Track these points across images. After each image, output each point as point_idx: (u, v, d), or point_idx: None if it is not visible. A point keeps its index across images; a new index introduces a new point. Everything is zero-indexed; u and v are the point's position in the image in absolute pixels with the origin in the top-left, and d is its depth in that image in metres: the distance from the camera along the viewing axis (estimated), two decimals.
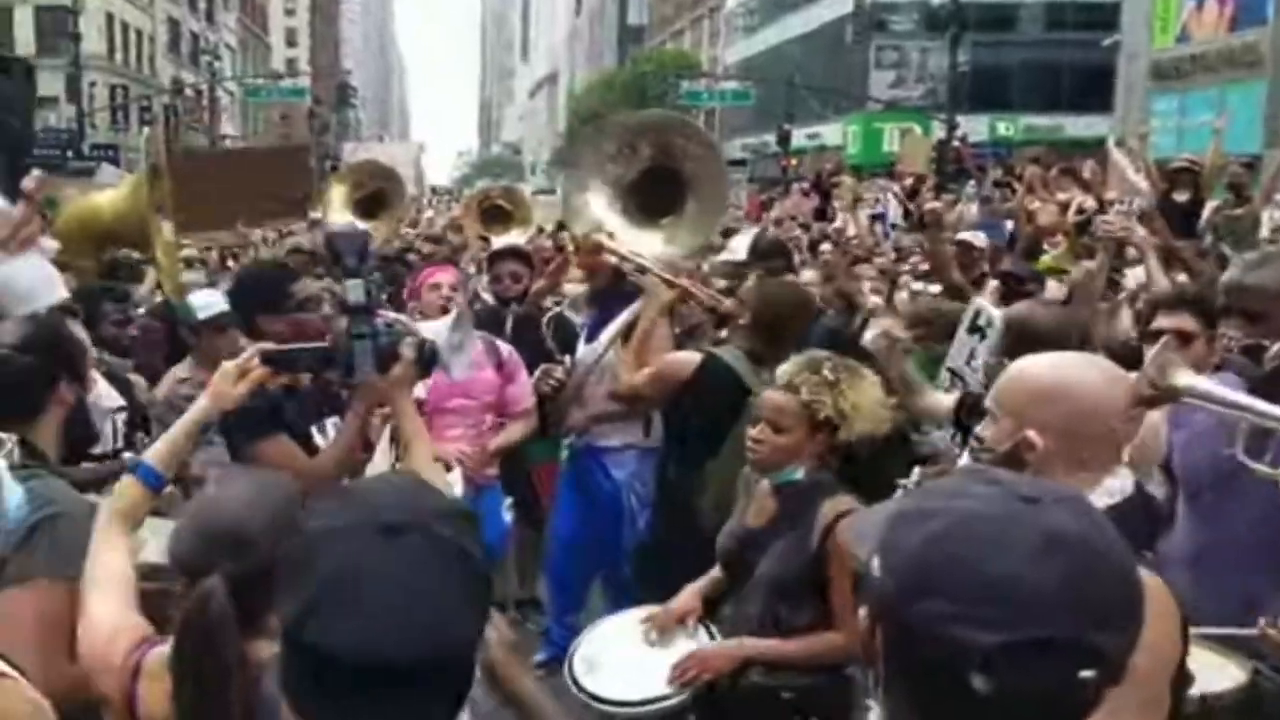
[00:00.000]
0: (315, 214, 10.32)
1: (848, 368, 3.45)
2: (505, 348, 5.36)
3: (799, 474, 3.44)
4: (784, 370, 3.50)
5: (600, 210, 5.49)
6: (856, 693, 3.39)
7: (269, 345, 3.04)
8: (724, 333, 5.15)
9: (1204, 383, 2.87)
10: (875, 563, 1.30)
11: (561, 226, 11.63)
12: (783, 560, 3.38)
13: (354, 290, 2.94)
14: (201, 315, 4.70)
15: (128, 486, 2.57)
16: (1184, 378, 2.75)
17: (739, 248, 7.01)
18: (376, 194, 10.72)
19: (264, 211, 8.60)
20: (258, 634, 2.03)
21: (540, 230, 11.96)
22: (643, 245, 5.36)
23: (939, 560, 1.24)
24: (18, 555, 2.54)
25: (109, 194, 6.47)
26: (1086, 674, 1.22)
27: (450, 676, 1.45)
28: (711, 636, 3.59)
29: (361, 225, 8.79)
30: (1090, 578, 1.23)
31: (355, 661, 1.35)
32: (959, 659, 1.21)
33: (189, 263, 8.27)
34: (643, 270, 5.11)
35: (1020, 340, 3.67)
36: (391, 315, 3.14)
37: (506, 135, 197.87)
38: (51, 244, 4.86)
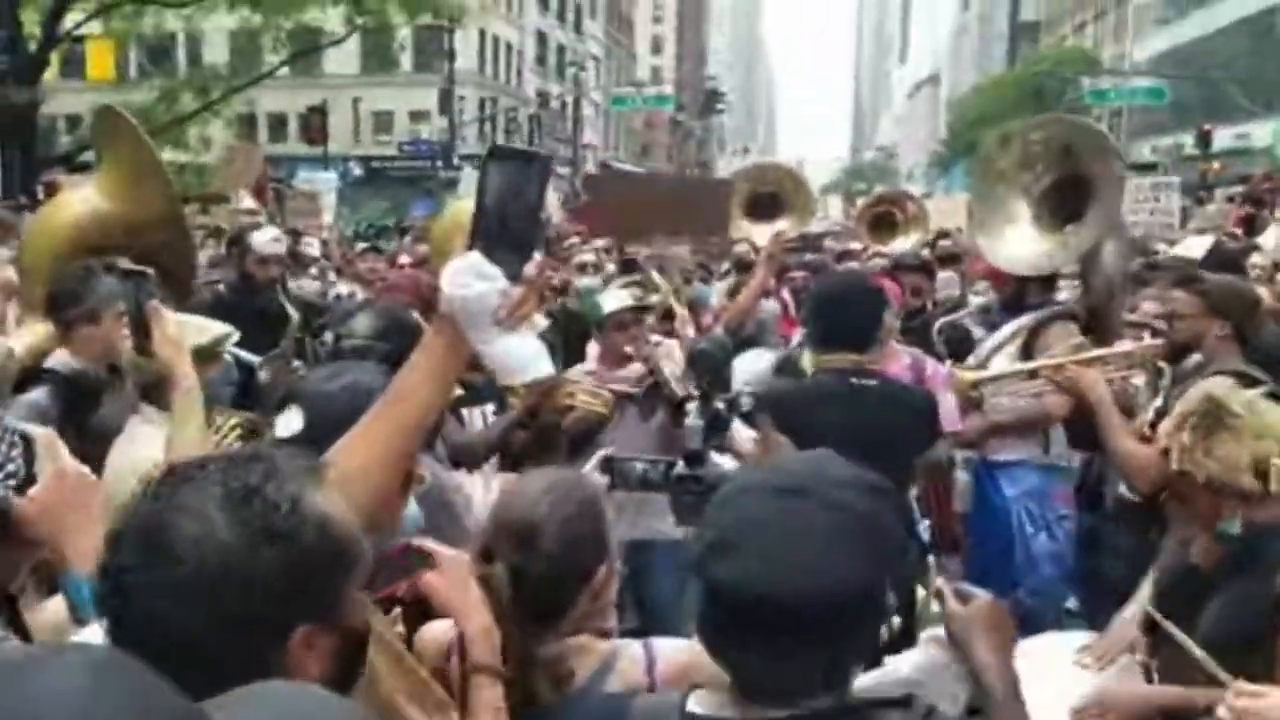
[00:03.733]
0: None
1: (1208, 420, 3.19)
2: (931, 364, 5.37)
3: (1235, 527, 3.24)
4: (1161, 430, 3.39)
5: (1015, 220, 5.81)
6: None
7: (611, 452, 3.01)
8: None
9: None
10: None
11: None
12: (1232, 608, 3.17)
13: (693, 436, 2.80)
14: (606, 309, 5.35)
15: None
16: None
17: (1194, 246, 7.38)
18: (766, 195, 11.45)
19: (675, 238, 9.45)
20: (551, 634, 2.21)
21: (936, 237, 11.71)
22: (1050, 249, 5.70)
23: None
24: None
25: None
26: None
27: (827, 621, 1.65)
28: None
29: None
30: None
31: (735, 597, 1.67)
32: None
33: (582, 267, 8.93)
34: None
35: None
36: (723, 466, 2.97)
37: (881, 140, 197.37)
38: (541, 321, 5.31)
